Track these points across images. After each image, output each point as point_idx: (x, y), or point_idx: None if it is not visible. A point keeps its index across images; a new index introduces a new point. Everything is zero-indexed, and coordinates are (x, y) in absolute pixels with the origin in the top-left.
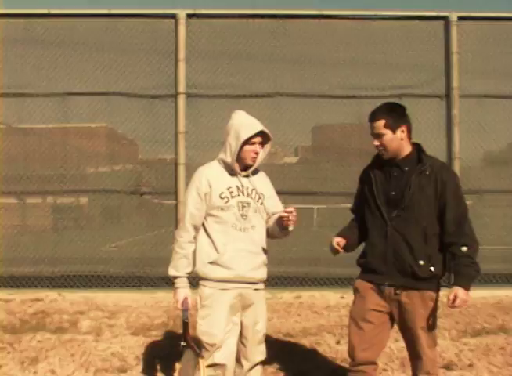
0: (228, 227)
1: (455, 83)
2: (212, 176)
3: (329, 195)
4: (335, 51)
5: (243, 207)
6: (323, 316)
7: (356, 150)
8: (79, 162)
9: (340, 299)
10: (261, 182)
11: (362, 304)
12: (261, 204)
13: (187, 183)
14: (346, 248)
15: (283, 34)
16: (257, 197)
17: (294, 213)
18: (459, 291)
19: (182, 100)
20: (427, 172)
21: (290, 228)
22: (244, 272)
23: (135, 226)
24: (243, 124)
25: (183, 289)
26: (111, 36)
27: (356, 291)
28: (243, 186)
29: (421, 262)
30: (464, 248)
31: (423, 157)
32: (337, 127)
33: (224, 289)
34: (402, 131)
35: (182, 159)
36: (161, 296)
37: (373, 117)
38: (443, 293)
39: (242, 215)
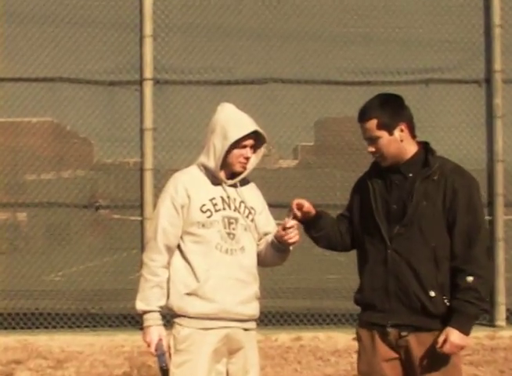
0: (210, 248)
1: (497, 65)
2: (191, 184)
3: (338, 208)
4: (344, 25)
5: (230, 223)
6: (330, 363)
7: None
8: (16, 167)
9: (351, 342)
10: (251, 194)
11: (368, 357)
12: (252, 220)
13: (156, 194)
14: (308, 222)
15: (278, 3)
16: (246, 211)
17: (296, 230)
18: (453, 334)
19: (148, 88)
20: (435, 177)
21: (291, 246)
22: (231, 306)
23: (88, 249)
24: (232, 121)
25: (156, 327)
26: (56, 5)
27: (359, 340)
28: (229, 197)
29: (432, 294)
30: (470, 278)
31: (430, 159)
32: (347, 121)
33: (205, 328)
34: (401, 130)
35: (148, 163)
36: (122, 339)
37: (363, 115)
38: (482, 333)
39: (228, 234)
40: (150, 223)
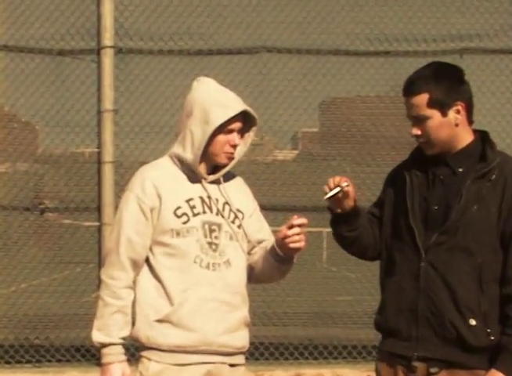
0: (188, 263)
1: None
2: (162, 181)
3: None
4: None
5: (212, 230)
6: None
7: (391, 138)
8: None
9: None
10: (239, 193)
11: None
12: (239, 226)
13: (118, 193)
14: (344, 215)
15: None
16: (232, 215)
17: (302, 229)
18: None
19: (108, 58)
20: (493, 177)
21: (295, 254)
22: (214, 335)
23: (31, 264)
24: (215, 100)
25: (118, 364)
26: None
27: (378, 375)
28: (210, 197)
29: (472, 322)
30: None
31: (488, 153)
32: (360, 102)
33: (181, 364)
34: (458, 111)
35: (108, 154)
36: None
37: (411, 87)
38: None
39: (210, 244)
40: (111, 231)
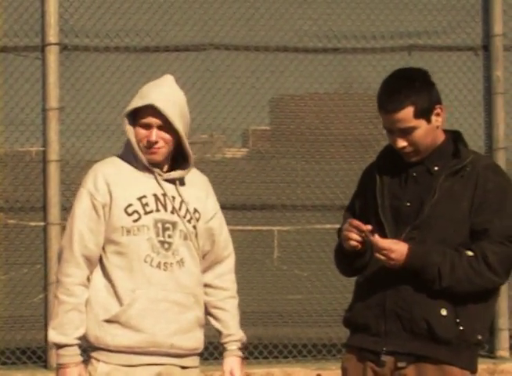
0: (138, 262)
1: (497, 28)
2: (115, 178)
3: (298, 210)
4: None
5: (165, 229)
6: None
7: (340, 135)
8: None
9: None
10: (199, 192)
11: None
12: (195, 227)
13: (63, 192)
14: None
15: None
16: (188, 215)
17: None
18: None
19: (52, 56)
20: (466, 173)
21: None
22: (164, 336)
23: None
24: (141, 91)
25: (75, 367)
26: None
27: (345, 372)
28: (165, 195)
29: (443, 312)
30: (469, 253)
31: (462, 150)
32: (309, 99)
33: (130, 365)
34: (438, 113)
35: (53, 153)
36: None
37: (393, 104)
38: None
39: (162, 243)
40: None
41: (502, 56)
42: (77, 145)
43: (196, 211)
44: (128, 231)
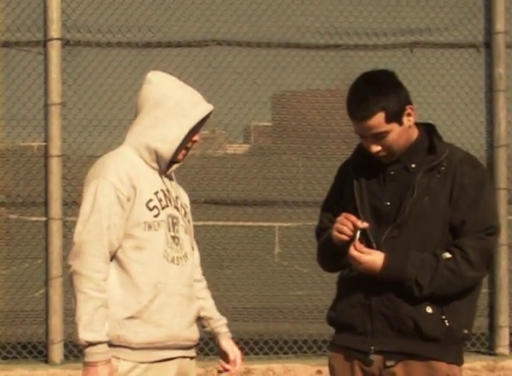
0: (158, 257)
1: (499, 25)
2: (135, 172)
3: (299, 206)
4: None
5: (174, 224)
6: None
7: (341, 132)
8: None
9: (314, 375)
10: (180, 188)
11: None
12: (189, 221)
13: (65, 187)
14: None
15: None
16: (182, 210)
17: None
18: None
19: (55, 51)
20: (442, 169)
21: None
22: (179, 330)
23: None
24: (189, 96)
25: (106, 365)
26: None
27: (332, 370)
28: (169, 191)
29: (429, 310)
30: (447, 255)
31: (437, 145)
32: (310, 95)
33: (150, 362)
34: (409, 114)
35: (55, 148)
36: (21, 375)
37: (364, 112)
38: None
39: (173, 238)
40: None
41: (504, 53)
42: (78, 140)
43: (186, 205)
44: (150, 226)
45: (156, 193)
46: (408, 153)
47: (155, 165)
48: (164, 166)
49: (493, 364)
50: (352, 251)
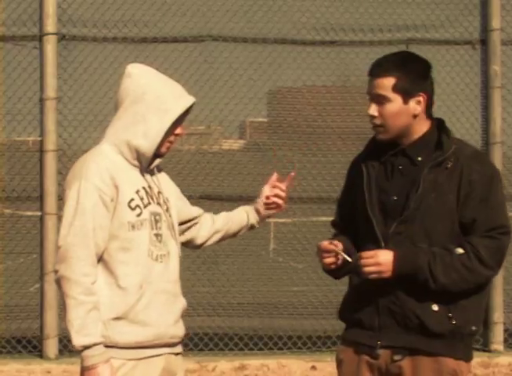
0: (142, 257)
1: (495, 23)
2: (116, 171)
3: (295, 202)
4: None
5: (156, 221)
6: None
7: (337, 128)
8: None
9: (308, 371)
10: (165, 181)
11: None
12: (171, 215)
13: (60, 182)
14: (343, 265)
15: None
16: (164, 205)
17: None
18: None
19: (50, 45)
20: (449, 165)
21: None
22: (166, 327)
23: None
24: (169, 89)
25: (105, 365)
26: None
27: (340, 363)
28: (150, 187)
29: (435, 308)
30: (460, 250)
31: (444, 141)
32: (306, 91)
33: (137, 359)
34: (419, 101)
35: (51, 143)
36: (15, 369)
37: (378, 69)
38: (475, 360)
39: (156, 236)
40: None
41: (500, 50)
42: (74, 135)
43: (167, 199)
44: (133, 226)
45: (137, 192)
46: (416, 145)
47: (136, 163)
48: (146, 163)
49: (488, 360)
50: (366, 262)
